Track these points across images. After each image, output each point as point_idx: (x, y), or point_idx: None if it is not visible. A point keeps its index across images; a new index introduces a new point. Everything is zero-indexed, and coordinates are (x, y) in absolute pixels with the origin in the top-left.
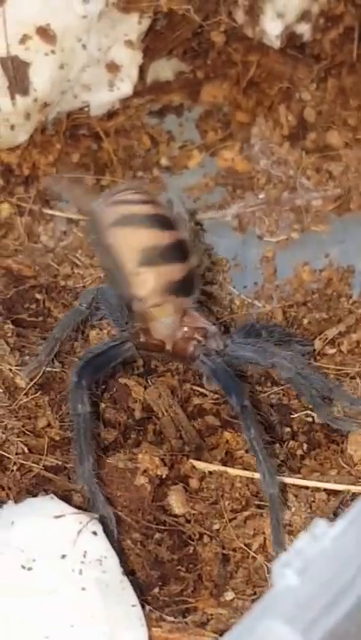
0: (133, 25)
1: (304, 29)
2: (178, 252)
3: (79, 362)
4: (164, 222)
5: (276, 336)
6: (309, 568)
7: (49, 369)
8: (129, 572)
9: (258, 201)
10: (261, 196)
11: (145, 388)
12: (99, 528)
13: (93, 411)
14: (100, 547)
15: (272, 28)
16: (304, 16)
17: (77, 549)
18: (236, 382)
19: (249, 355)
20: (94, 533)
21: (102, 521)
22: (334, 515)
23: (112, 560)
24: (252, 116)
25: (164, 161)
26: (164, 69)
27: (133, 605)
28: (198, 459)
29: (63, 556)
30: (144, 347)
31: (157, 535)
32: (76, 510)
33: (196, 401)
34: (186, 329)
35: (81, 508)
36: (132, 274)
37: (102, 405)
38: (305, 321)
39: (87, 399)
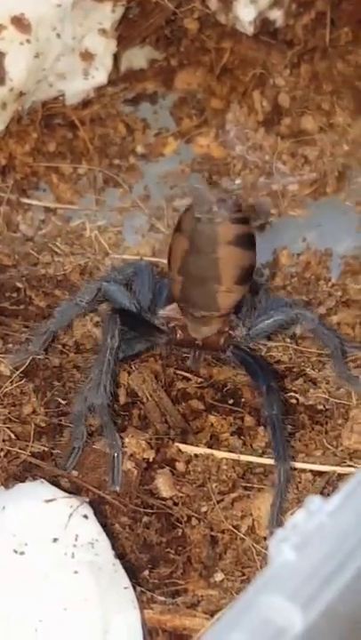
0: (107, 13)
1: (277, 15)
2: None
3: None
4: (254, 242)
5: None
6: (307, 543)
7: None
8: (118, 556)
9: (234, 186)
10: (238, 181)
11: (129, 373)
12: (89, 511)
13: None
14: (92, 530)
15: (245, 15)
16: (276, 2)
17: (69, 533)
18: (261, 365)
19: (272, 323)
20: (85, 517)
21: (92, 504)
22: (321, 494)
23: (104, 543)
24: (227, 103)
25: (139, 148)
26: (138, 57)
27: (126, 588)
28: (184, 442)
29: (55, 540)
30: (177, 343)
31: (146, 518)
32: (66, 494)
33: (180, 385)
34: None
35: (69, 492)
36: (225, 290)
37: None
38: None
39: (118, 334)
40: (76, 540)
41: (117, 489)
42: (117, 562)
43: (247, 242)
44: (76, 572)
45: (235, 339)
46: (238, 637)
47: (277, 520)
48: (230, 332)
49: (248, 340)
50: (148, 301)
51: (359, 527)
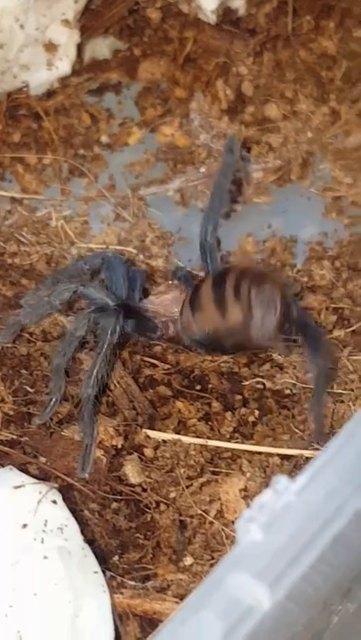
0: (70, 4)
1: (239, 4)
2: None
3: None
4: None
5: None
6: (274, 522)
7: None
8: (88, 542)
9: (199, 175)
10: (202, 169)
11: None
12: (58, 497)
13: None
14: (61, 515)
15: (208, 4)
16: None
17: (38, 519)
18: None
19: None
20: (54, 502)
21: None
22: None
23: (73, 528)
24: (191, 92)
25: (104, 138)
26: (102, 48)
27: (95, 572)
28: (152, 428)
29: (24, 526)
30: (168, 338)
31: (115, 505)
32: (35, 480)
33: (147, 372)
34: None
35: (38, 478)
36: None
37: None
38: None
39: (119, 330)
40: (45, 525)
41: (86, 476)
42: (87, 547)
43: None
44: (45, 558)
45: None
46: (207, 616)
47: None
48: None
49: None
50: (123, 292)
51: (326, 506)
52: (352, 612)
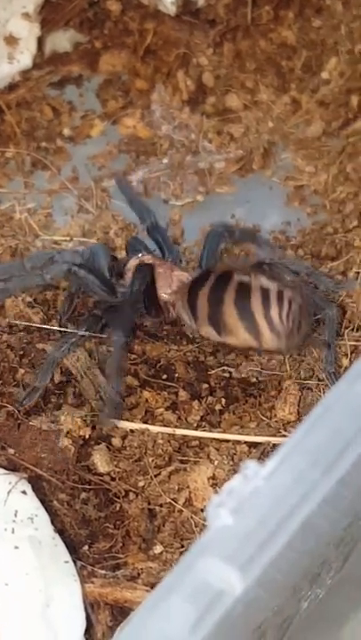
0: None
1: None
2: None
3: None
4: None
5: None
6: (243, 507)
7: None
8: (58, 532)
9: (162, 166)
10: (165, 160)
11: None
12: (28, 487)
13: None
14: (31, 505)
15: None
16: None
17: (8, 509)
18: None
19: None
20: (24, 493)
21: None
22: None
23: (43, 518)
24: (152, 83)
25: (66, 131)
26: (62, 41)
27: (66, 562)
28: (119, 418)
29: None
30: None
31: (84, 495)
32: (4, 471)
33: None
34: None
35: (7, 469)
36: None
37: (21, 371)
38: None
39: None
40: (15, 515)
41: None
42: (57, 536)
43: None
44: (16, 548)
45: None
46: (178, 601)
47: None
48: None
49: None
50: (107, 282)
51: (294, 491)
52: (321, 598)
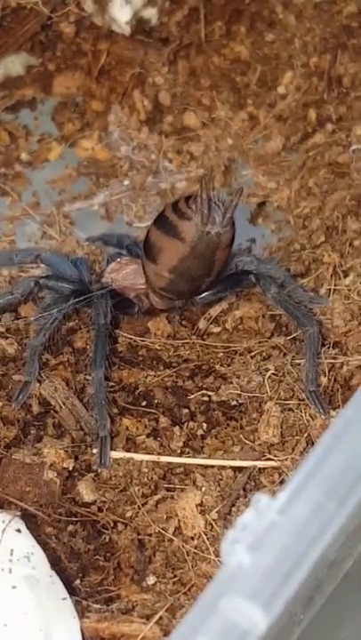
0: None
1: (151, 13)
2: None
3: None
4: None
5: None
6: (260, 542)
7: None
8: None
9: (123, 188)
10: (126, 182)
11: (40, 382)
12: (22, 525)
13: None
14: (26, 543)
15: (122, 15)
16: (151, 0)
17: (3, 548)
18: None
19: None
20: (18, 531)
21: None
22: (244, 490)
23: (39, 555)
24: (108, 104)
25: (24, 156)
26: (15, 64)
27: (64, 599)
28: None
29: None
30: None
31: (71, 527)
32: None
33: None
34: None
35: None
36: (211, 280)
37: None
38: None
39: (110, 312)
40: (11, 554)
41: (105, 469)
42: (54, 574)
43: (233, 239)
44: (14, 587)
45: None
46: None
47: (311, 380)
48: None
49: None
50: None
51: (311, 522)
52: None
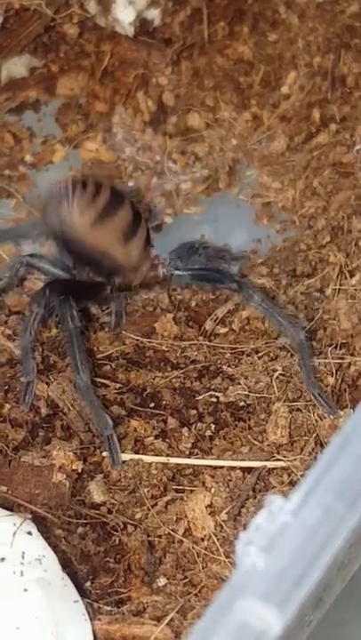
0: None
1: (154, 14)
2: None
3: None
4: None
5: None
6: (273, 544)
7: None
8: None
9: (128, 189)
10: (131, 184)
11: (48, 384)
12: (33, 528)
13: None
14: (38, 546)
15: (125, 16)
16: (153, 1)
17: (15, 551)
18: (218, 270)
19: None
20: (29, 533)
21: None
22: (253, 491)
23: (50, 558)
24: (111, 105)
25: (28, 158)
26: (18, 66)
27: (75, 601)
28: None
29: (2, 560)
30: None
31: (80, 529)
32: (7, 512)
33: (99, 392)
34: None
35: (7, 509)
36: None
37: (7, 406)
38: (192, 303)
39: (76, 314)
40: (23, 557)
41: (119, 468)
42: (66, 576)
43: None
44: (25, 590)
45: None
46: None
47: (312, 384)
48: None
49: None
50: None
51: (323, 524)
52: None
